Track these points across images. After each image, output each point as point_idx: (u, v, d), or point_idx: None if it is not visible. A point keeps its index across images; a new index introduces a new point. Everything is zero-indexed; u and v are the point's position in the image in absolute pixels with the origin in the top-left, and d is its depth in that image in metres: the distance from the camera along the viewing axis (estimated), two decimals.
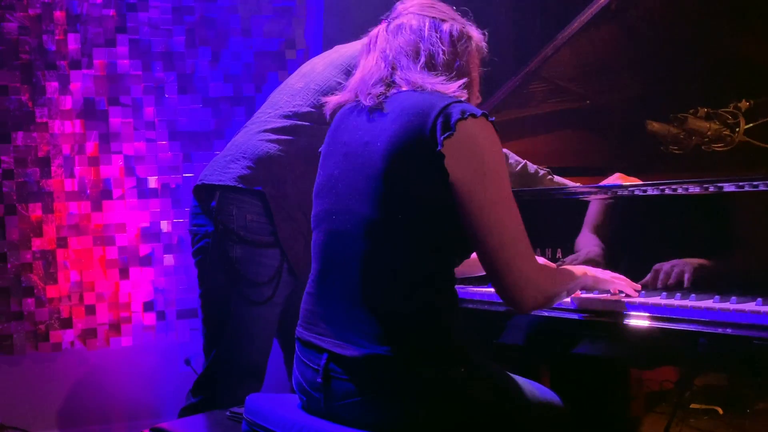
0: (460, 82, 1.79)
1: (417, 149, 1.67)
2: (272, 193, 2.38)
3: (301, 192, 2.35)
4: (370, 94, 1.79)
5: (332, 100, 1.94)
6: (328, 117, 1.95)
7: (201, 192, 2.46)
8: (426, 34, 1.82)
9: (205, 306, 2.48)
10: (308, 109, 2.43)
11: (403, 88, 1.78)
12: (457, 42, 1.85)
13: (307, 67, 2.57)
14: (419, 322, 1.68)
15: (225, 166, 2.44)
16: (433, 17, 1.86)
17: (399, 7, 1.93)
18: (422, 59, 1.80)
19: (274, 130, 2.44)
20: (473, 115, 1.65)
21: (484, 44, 1.95)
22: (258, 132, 2.47)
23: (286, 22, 3.85)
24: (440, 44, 1.82)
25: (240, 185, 2.38)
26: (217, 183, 2.41)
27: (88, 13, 3.56)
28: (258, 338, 2.43)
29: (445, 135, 1.63)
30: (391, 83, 1.80)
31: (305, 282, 1.81)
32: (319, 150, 1.94)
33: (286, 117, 2.44)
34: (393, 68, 1.81)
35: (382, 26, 1.91)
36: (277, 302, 2.42)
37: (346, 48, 2.52)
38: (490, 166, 1.67)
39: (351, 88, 1.88)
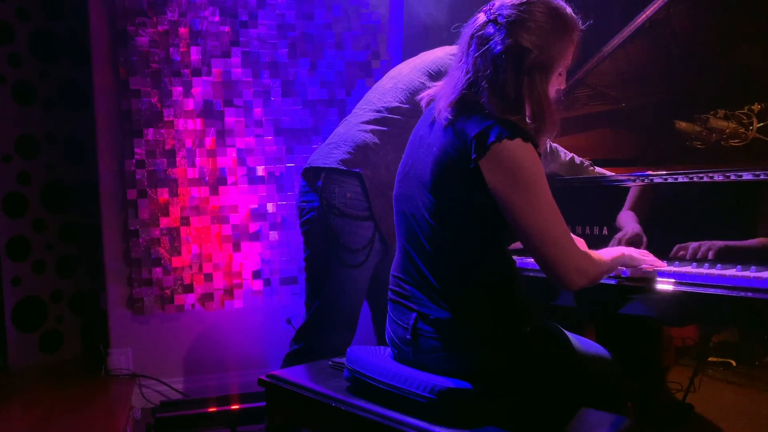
0: (523, 113, 1.76)
1: (458, 160, 1.73)
2: (368, 174, 2.52)
3: (392, 173, 2.43)
4: (448, 105, 1.80)
5: (425, 95, 1.98)
6: (423, 108, 2.01)
7: (309, 173, 2.61)
8: (502, 67, 1.73)
9: (308, 267, 2.64)
10: (396, 104, 2.57)
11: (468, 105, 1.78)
12: (537, 73, 1.75)
13: (395, 71, 2.73)
14: (488, 290, 1.78)
15: (329, 152, 2.58)
16: (519, 44, 1.73)
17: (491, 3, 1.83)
18: (497, 94, 1.74)
19: (369, 122, 2.59)
20: (509, 137, 1.67)
21: (576, 37, 1.82)
22: (356, 124, 2.62)
23: (372, 37, 4.01)
24: (515, 82, 1.73)
25: (342, 167, 2.52)
26: (322, 166, 2.56)
27: (207, 30, 3.79)
28: (351, 296, 2.58)
29: (479, 154, 1.68)
30: (464, 99, 1.79)
31: (394, 251, 1.98)
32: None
33: (378, 111, 2.59)
34: (472, 89, 1.79)
35: (477, 26, 1.81)
36: (368, 267, 2.57)
37: (428, 54, 2.68)
38: (523, 177, 1.68)
39: (437, 90, 1.89)
